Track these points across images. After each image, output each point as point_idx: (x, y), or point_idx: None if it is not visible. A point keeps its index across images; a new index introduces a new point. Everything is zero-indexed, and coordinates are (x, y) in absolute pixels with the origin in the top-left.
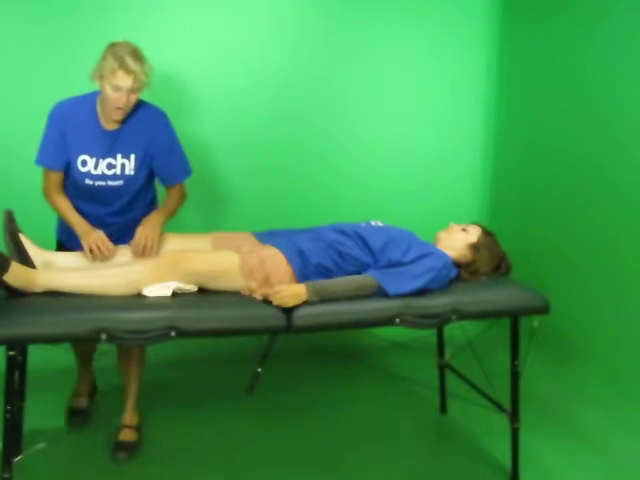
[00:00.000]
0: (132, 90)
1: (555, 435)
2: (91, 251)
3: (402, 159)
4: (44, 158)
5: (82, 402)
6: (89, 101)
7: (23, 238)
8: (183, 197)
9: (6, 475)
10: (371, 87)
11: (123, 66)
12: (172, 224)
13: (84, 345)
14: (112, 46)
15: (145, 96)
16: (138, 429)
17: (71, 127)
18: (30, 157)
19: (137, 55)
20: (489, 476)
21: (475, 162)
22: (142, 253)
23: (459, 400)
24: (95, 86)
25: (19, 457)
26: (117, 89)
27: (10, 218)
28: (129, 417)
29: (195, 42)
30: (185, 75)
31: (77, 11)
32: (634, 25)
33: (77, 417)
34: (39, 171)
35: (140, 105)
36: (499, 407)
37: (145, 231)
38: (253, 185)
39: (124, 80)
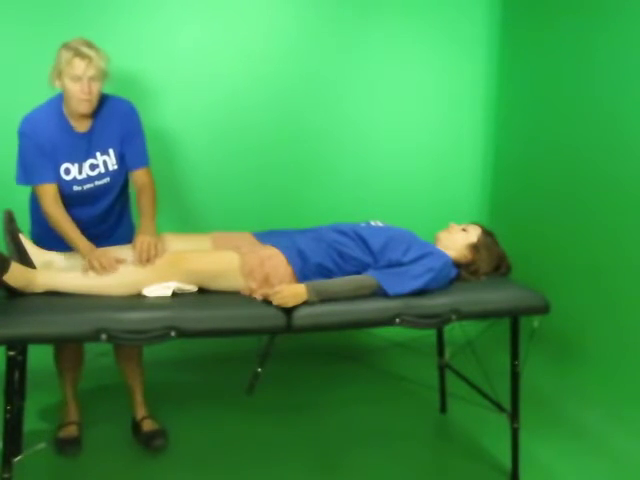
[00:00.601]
0: (92, 78)
1: (555, 435)
2: (92, 267)
3: (402, 159)
4: (34, 176)
5: (73, 431)
6: (54, 107)
7: (23, 238)
8: (155, 194)
9: (6, 475)
10: (370, 87)
11: (78, 54)
12: (172, 224)
13: (71, 351)
14: (64, 44)
15: (144, 95)
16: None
17: (46, 138)
18: None
19: (90, 44)
20: (489, 476)
21: (475, 162)
22: (146, 260)
23: (459, 400)
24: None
25: (19, 457)
26: (77, 79)
27: (10, 218)
28: (143, 409)
29: (194, 42)
30: (184, 75)
31: (76, 15)
32: (634, 23)
33: (69, 447)
34: None
35: (106, 99)
36: (499, 407)
37: (145, 238)
38: (252, 185)
39: (81, 67)
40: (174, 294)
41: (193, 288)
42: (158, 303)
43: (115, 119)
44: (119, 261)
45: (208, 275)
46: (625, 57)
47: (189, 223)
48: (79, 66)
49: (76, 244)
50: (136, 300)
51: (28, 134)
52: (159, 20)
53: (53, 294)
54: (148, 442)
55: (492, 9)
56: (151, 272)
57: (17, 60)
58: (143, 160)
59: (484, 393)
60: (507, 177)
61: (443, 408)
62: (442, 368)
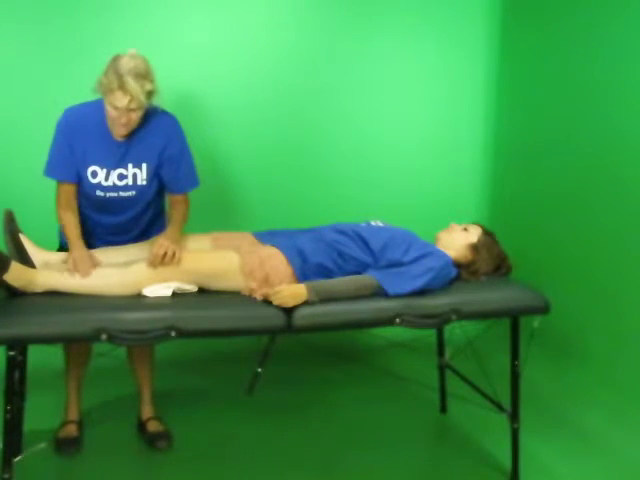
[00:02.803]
0: (131, 109)
1: (555, 435)
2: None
3: (402, 158)
4: (55, 170)
5: (72, 431)
6: (99, 109)
7: (23, 238)
8: (188, 208)
9: (6, 475)
10: (371, 86)
11: (122, 86)
12: None
13: (79, 346)
14: (115, 60)
15: None
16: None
17: (81, 137)
18: (30, 158)
19: (139, 73)
20: (489, 476)
21: (475, 162)
22: (161, 263)
23: (459, 400)
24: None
25: (19, 457)
26: (115, 108)
27: (10, 218)
28: (150, 409)
29: (194, 42)
30: (183, 75)
31: (76, 12)
32: (635, 22)
33: (68, 447)
34: (40, 171)
35: (151, 112)
36: (499, 407)
37: (165, 242)
38: (252, 185)
39: (121, 100)
40: (174, 294)
41: (193, 288)
42: (158, 303)
43: (157, 135)
44: (97, 265)
45: (208, 275)
46: (626, 56)
47: (189, 223)
48: (119, 99)
49: (70, 242)
50: (136, 300)
51: (63, 129)
52: (158, 18)
53: (53, 294)
54: (152, 443)
55: (492, 9)
56: (151, 272)
57: (17, 60)
58: (186, 186)
59: (484, 393)
60: (507, 177)
61: (443, 408)
62: (442, 368)
